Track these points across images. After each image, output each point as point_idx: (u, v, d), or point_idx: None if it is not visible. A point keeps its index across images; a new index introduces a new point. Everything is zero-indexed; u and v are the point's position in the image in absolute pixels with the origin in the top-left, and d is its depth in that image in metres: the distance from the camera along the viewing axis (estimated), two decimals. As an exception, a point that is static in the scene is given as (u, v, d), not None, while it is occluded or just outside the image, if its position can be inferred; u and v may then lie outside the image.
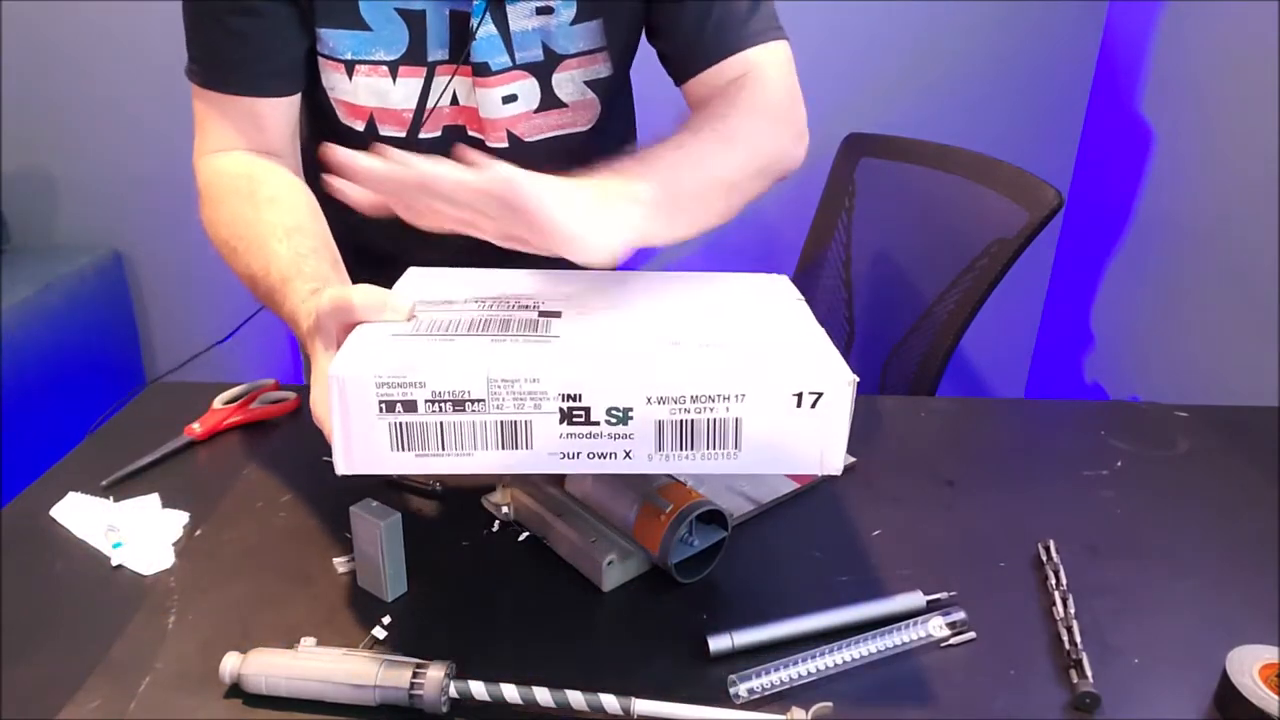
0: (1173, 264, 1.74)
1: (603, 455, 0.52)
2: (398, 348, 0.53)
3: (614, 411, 0.51)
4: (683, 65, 0.86)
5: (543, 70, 0.82)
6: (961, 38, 1.89)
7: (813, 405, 0.51)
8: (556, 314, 0.59)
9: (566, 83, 0.83)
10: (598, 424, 0.51)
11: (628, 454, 0.52)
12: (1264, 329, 1.47)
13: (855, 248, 1.57)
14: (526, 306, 0.60)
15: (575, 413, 0.51)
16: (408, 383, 0.50)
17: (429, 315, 0.58)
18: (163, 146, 1.72)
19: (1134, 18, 1.85)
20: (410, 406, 0.50)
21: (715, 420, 0.51)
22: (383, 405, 0.50)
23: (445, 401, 0.50)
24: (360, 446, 0.51)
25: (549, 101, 0.84)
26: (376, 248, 0.92)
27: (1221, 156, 1.61)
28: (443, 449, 0.51)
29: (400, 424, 0.51)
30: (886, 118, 1.83)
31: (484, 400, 0.50)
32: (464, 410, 0.50)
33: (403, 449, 0.51)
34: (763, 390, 0.51)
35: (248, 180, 0.77)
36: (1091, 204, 1.98)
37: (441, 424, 0.51)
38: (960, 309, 1.27)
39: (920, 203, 1.45)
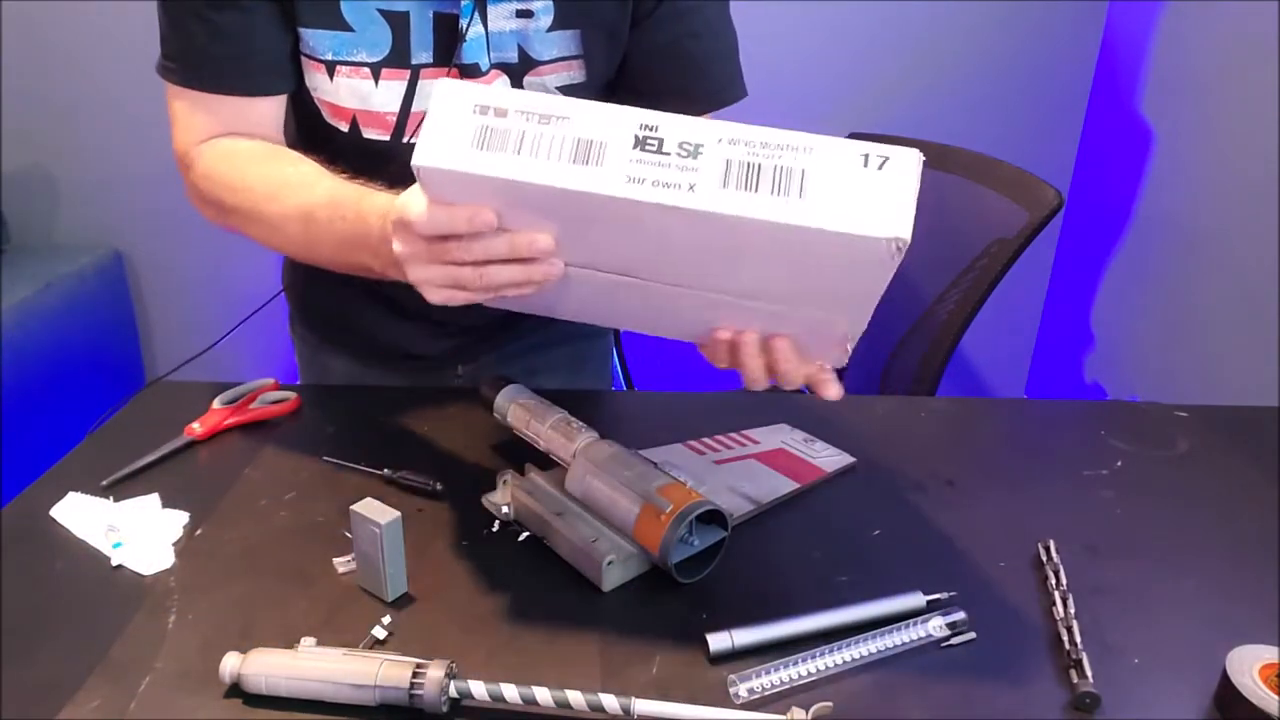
0: (1173, 264, 1.74)
1: (668, 185, 0.52)
2: None
3: (685, 145, 0.53)
4: (661, 107, 0.88)
5: (515, 71, 0.82)
6: (961, 38, 1.89)
7: (880, 167, 0.52)
8: None
9: (536, 85, 0.83)
10: (668, 154, 0.53)
11: (692, 187, 0.52)
12: (1264, 329, 1.47)
13: (855, 248, 1.57)
14: None
15: (649, 141, 0.53)
16: (504, 95, 0.54)
17: None
18: (163, 146, 1.72)
19: (1134, 18, 1.85)
20: (502, 113, 0.54)
21: (782, 168, 0.52)
22: (478, 108, 0.54)
23: (534, 114, 0.54)
24: (444, 139, 0.54)
25: None
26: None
27: (1221, 156, 1.61)
28: (519, 153, 0.53)
29: (487, 126, 0.54)
30: (886, 118, 1.84)
31: (569, 119, 0.53)
32: (548, 123, 0.53)
33: (483, 148, 0.53)
34: (831, 146, 0.52)
35: (264, 147, 0.78)
36: (1091, 204, 1.98)
37: (524, 132, 0.53)
38: (960, 309, 1.27)
39: (920, 203, 1.45)
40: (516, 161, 0.53)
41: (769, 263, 0.56)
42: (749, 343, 0.62)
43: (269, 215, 0.74)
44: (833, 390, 0.65)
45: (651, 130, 0.53)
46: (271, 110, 0.81)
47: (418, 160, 0.54)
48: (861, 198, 0.52)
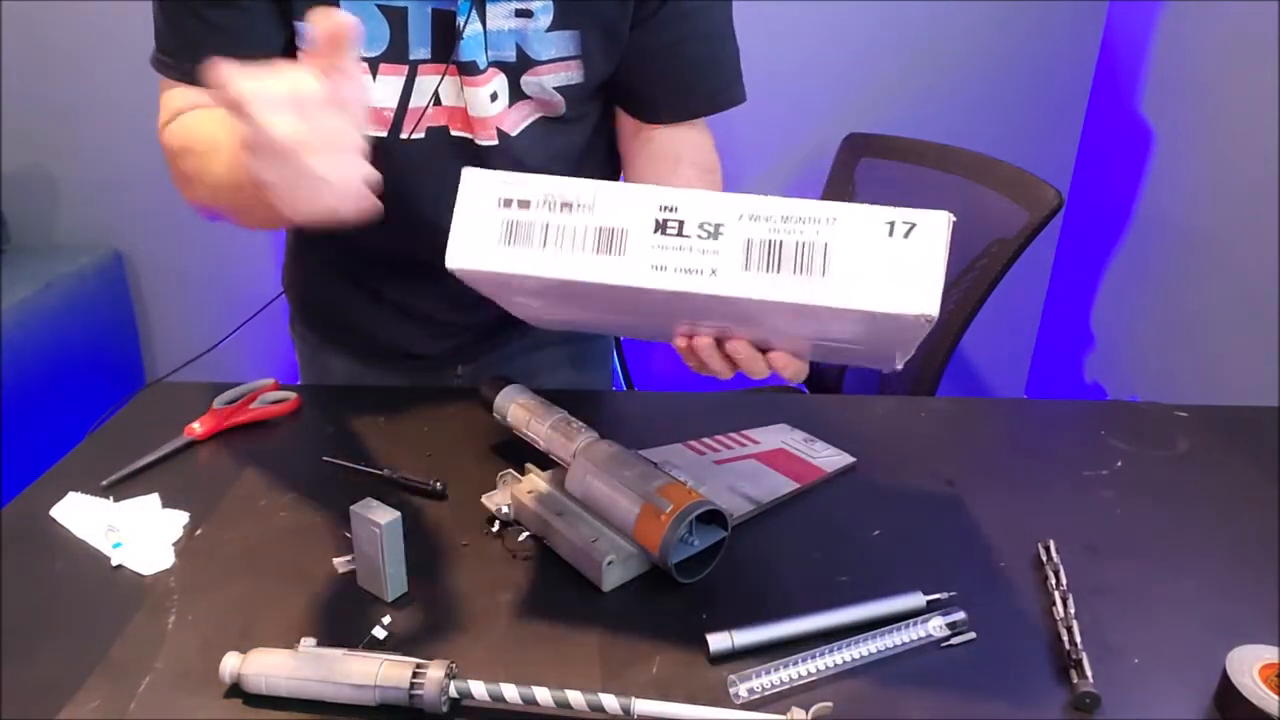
0: (1173, 264, 1.74)
1: (690, 270, 0.53)
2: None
3: (706, 226, 0.53)
4: (659, 109, 0.90)
5: (513, 70, 0.81)
6: (961, 38, 1.89)
7: (905, 235, 0.51)
8: None
9: (534, 84, 0.83)
10: (689, 237, 0.53)
11: (714, 271, 0.52)
12: (1264, 329, 1.47)
13: (855, 248, 1.57)
14: None
15: (669, 224, 0.53)
16: (526, 183, 0.55)
17: None
18: (163, 146, 1.73)
19: (1134, 18, 1.85)
20: (525, 205, 0.55)
21: (804, 244, 0.51)
22: (502, 201, 0.55)
23: (556, 202, 0.54)
24: (474, 239, 0.55)
25: (517, 95, 0.84)
26: (406, 258, 0.92)
27: (1221, 156, 1.61)
28: (545, 246, 0.54)
29: (512, 221, 0.55)
30: (886, 118, 1.84)
31: (590, 206, 0.54)
32: (570, 211, 0.54)
33: (510, 243, 0.55)
34: (854, 216, 0.51)
35: (213, 111, 0.75)
36: (1091, 204, 1.98)
37: (548, 224, 0.54)
38: (960, 309, 1.27)
39: (920, 203, 1.45)
40: (544, 257, 0.54)
41: (797, 322, 0.56)
42: (704, 346, 0.63)
43: (208, 168, 0.71)
44: (790, 373, 0.64)
45: (671, 211, 0.53)
46: None
47: (451, 263, 0.55)
48: (887, 271, 0.50)
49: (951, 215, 0.51)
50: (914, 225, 0.51)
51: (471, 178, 0.56)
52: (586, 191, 0.54)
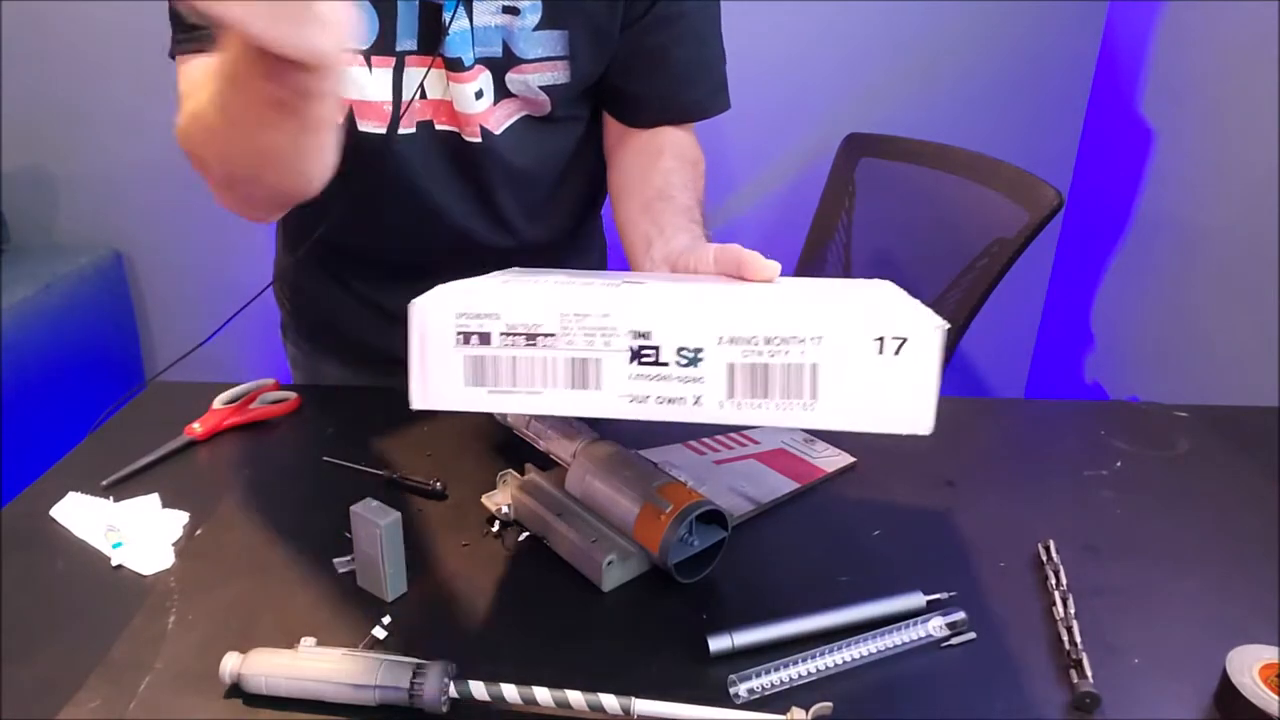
0: (1173, 264, 1.74)
1: (672, 400, 0.50)
2: (477, 289, 0.54)
3: (684, 352, 0.49)
4: (644, 111, 0.90)
5: (499, 67, 0.81)
6: (961, 37, 1.89)
7: (896, 352, 0.48)
8: (640, 283, 0.60)
9: (519, 82, 0.82)
10: (667, 365, 0.49)
11: (697, 400, 0.49)
12: (1264, 329, 1.47)
13: (855, 248, 1.57)
14: (612, 282, 0.60)
15: (645, 351, 0.49)
16: (483, 314, 0.50)
17: (512, 277, 0.61)
18: (164, 146, 1.72)
19: (1134, 18, 1.85)
20: (485, 339, 0.50)
21: (790, 366, 0.48)
22: (460, 337, 0.51)
23: (518, 335, 0.50)
24: (436, 380, 0.51)
25: (502, 93, 0.83)
26: (397, 259, 0.92)
27: (1221, 156, 1.61)
28: (514, 385, 0.51)
29: (475, 358, 0.51)
30: (886, 118, 1.84)
31: (555, 335, 0.50)
32: (535, 345, 0.50)
33: (477, 384, 0.51)
34: (841, 333, 0.48)
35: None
36: (1091, 204, 1.98)
37: (515, 359, 0.50)
38: (960, 309, 1.27)
39: (920, 203, 1.45)
40: (514, 396, 0.51)
41: None
42: None
43: (204, 113, 0.66)
44: None
45: (645, 338, 0.49)
46: None
47: (415, 404, 0.52)
48: (878, 390, 0.48)
49: (945, 324, 0.48)
50: (904, 341, 0.48)
51: (421, 313, 0.51)
52: (550, 318, 0.50)
